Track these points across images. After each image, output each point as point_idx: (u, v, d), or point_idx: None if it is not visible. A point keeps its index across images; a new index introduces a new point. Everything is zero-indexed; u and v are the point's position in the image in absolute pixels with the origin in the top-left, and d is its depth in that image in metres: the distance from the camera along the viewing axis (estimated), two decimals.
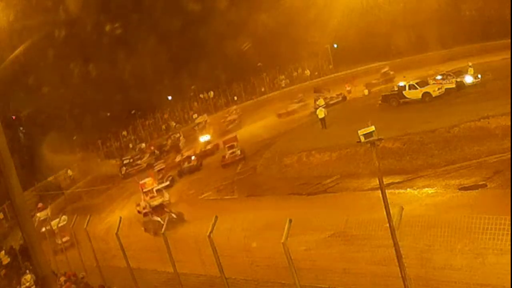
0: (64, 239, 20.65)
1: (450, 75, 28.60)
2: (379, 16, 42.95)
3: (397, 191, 17.73)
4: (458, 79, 27.92)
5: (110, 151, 50.76)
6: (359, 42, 44.85)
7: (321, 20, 43.65)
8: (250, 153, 31.43)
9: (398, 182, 18.69)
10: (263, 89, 55.86)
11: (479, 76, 27.82)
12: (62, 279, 16.58)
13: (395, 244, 8.79)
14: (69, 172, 45.10)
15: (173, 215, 21.10)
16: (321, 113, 30.58)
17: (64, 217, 22.35)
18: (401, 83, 29.18)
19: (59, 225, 23.42)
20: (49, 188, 40.88)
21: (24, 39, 35.38)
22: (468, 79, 27.85)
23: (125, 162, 42.32)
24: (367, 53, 45.78)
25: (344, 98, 38.19)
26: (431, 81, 28.85)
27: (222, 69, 51.42)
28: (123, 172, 40.78)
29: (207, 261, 12.32)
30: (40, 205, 37.18)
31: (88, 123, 48.38)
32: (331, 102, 37.26)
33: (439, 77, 28.91)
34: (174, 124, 53.55)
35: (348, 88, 39.06)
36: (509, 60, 22.86)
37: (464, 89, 27.25)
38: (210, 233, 11.16)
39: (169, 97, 58.54)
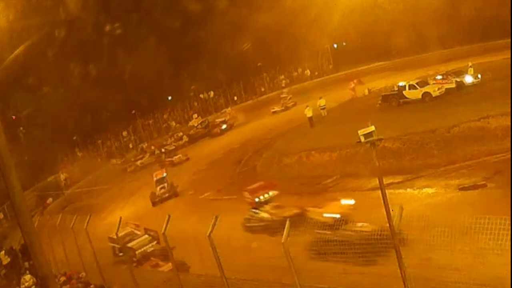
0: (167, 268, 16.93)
1: (450, 75, 28.57)
2: (379, 16, 42.86)
3: (397, 191, 17.72)
4: (458, 79, 27.83)
5: (110, 151, 50.79)
6: (359, 42, 44.82)
7: (321, 20, 43.64)
8: (249, 153, 31.43)
9: (398, 182, 18.68)
10: (263, 89, 55.93)
11: (479, 76, 27.75)
12: (62, 279, 16.58)
13: (395, 245, 8.78)
14: (62, 176, 44.51)
15: None
16: (309, 112, 30.98)
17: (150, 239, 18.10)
18: (401, 83, 29.13)
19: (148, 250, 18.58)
20: (49, 188, 40.91)
21: (24, 39, 35.38)
22: (468, 79, 27.77)
23: (163, 150, 41.31)
24: (367, 53, 45.75)
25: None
26: (431, 81, 28.77)
27: (222, 69, 51.39)
28: (163, 157, 39.28)
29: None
30: (49, 200, 37.38)
31: (88, 123, 48.43)
32: None
33: (439, 77, 28.86)
34: (174, 124, 53.59)
35: (352, 86, 39.00)
36: (509, 60, 22.78)
37: (464, 89, 27.17)
38: (210, 233, 11.15)
39: (169, 97, 58.60)
